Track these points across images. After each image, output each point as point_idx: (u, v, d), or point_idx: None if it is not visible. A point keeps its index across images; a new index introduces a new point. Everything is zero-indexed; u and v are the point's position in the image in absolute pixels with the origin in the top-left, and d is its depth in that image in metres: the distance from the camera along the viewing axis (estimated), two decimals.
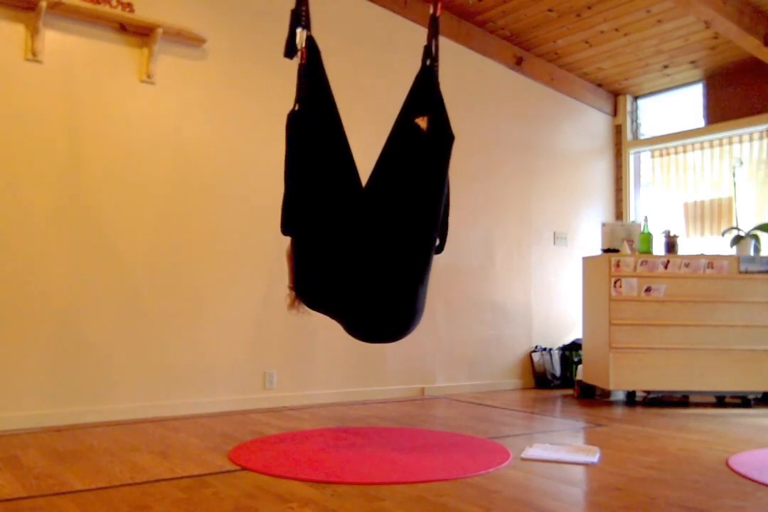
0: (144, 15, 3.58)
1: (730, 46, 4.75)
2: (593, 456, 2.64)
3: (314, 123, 2.75)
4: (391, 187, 2.75)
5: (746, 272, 4.18)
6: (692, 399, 4.46)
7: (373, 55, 4.50)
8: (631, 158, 5.71)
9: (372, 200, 2.76)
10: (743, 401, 4.22)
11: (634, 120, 5.75)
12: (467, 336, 4.81)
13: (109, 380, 3.48)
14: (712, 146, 5.19)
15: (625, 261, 4.21)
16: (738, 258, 4.20)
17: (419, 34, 4.04)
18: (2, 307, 3.24)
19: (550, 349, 5.10)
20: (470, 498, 2.07)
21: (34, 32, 3.33)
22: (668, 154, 5.47)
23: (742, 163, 4.98)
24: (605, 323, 4.21)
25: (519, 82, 5.21)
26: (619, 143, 5.74)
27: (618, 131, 5.76)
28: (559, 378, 5.05)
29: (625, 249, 4.38)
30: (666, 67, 5.18)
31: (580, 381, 4.58)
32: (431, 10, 2.88)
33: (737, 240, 4.39)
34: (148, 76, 3.65)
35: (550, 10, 4.56)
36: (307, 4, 2.77)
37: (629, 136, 5.71)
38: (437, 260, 3.12)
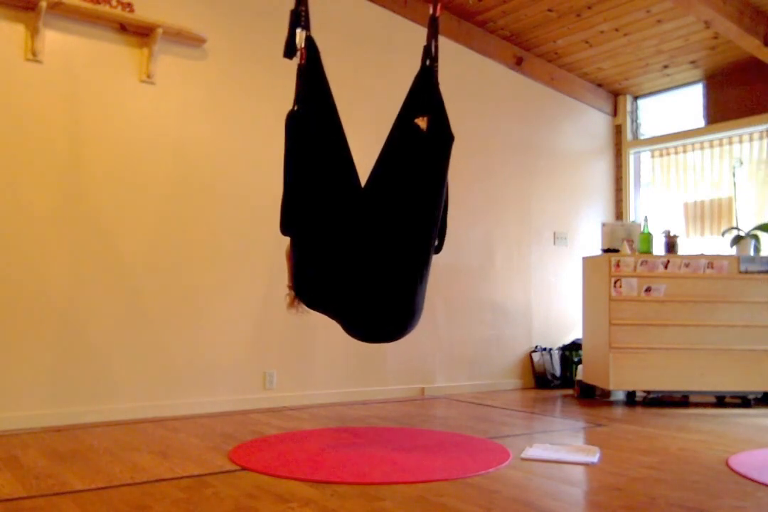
0: (144, 15, 3.58)
1: (730, 46, 4.75)
2: (593, 456, 2.64)
3: (313, 123, 2.74)
4: (390, 188, 2.75)
5: (746, 272, 4.18)
6: (692, 399, 4.45)
7: (373, 55, 4.50)
8: (631, 158, 5.71)
9: (371, 200, 2.76)
10: (743, 401, 4.22)
11: (634, 120, 5.75)
12: (467, 336, 4.81)
13: (109, 380, 3.48)
14: (712, 146, 5.19)
15: (625, 261, 4.21)
16: (738, 258, 4.20)
17: (419, 34, 4.03)
18: (2, 307, 3.24)
19: (550, 349, 5.10)
20: (470, 498, 2.07)
21: (34, 32, 3.33)
22: (668, 154, 5.47)
23: (742, 163, 4.98)
24: (605, 323, 4.21)
25: (519, 82, 5.21)
26: (619, 143, 5.75)
27: (618, 131, 5.76)
28: (559, 378, 5.05)
29: (625, 249, 4.38)
30: (666, 67, 5.18)
31: (580, 381, 4.58)
32: (431, 11, 2.88)
33: (737, 240, 4.39)
34: (148, 76, 3.65)
35: (550, 10, 4.56)
36: (306, 4, 2.77)
37: (629, 136, 5.71)
38: (437, 260, 3.12)
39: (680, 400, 4.38)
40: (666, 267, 4.19)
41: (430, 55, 2.90)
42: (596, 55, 5.10)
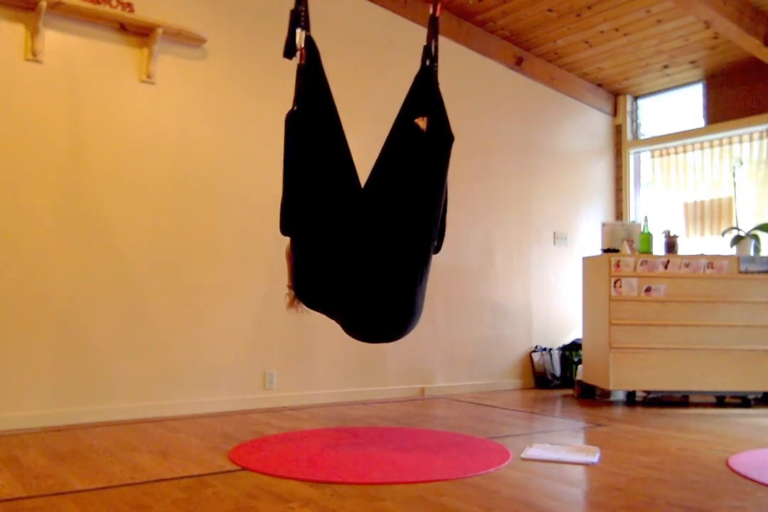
0: (144, 15, 3.58)
1: (730, 46, 4.75)
2: (593, 456, 2.64)
3: (313, 123, 2.74)
4: (390, 188, 2.75)
5: (746, 272, 4.18)
6: (692, 399, 4.45)
7: (373, 55, 4.50)
8: (631, 158, 5.71)
9: (371, 200, 2.76)
10: (743, 401, 4.22)
11: (634, 120, 5.75)
12: (467, 336, 4.81)
13: (109, 380, 3.49)
14: (712, 146, 5.19)
15: (625, 261, 4.21)
16: (738, 258, 4.20)
17: (419, 34, 4.03)
18: (2, 307, 3.24)
19: (550, 349, 5.10)
20: (470, 498, 2.07)
21: (34, 32, 3.33)
22: (668, 154, 5.46)
23: (742, 163, 4.98)
24: (605, 323, 4.21)
25: (519, 82, 5.21)
26: (619, 143, 5.74)
27: (618, 131, 5.76)
28: (559, 378, 5.05)
29: (625, 249, 4.38)
30: (666, 67, 5.18)
31: (580, 381, 4.58)
32: (431, 11, 2.88)
33: (737, 240, 4.39)
34: (148, 76, 3.65)
35: (550, 10, 4.56)
36: (306, 4, 2.77)
37: (629, 136, 5.71)
38: (437, 260, 3.12)
39: (680, 400, 4.38)
40: (666, 267, 4.19)
41: (430, 55, 2.89)
42: (596, 55, 5.10)
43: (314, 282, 2.74)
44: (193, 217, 3.78)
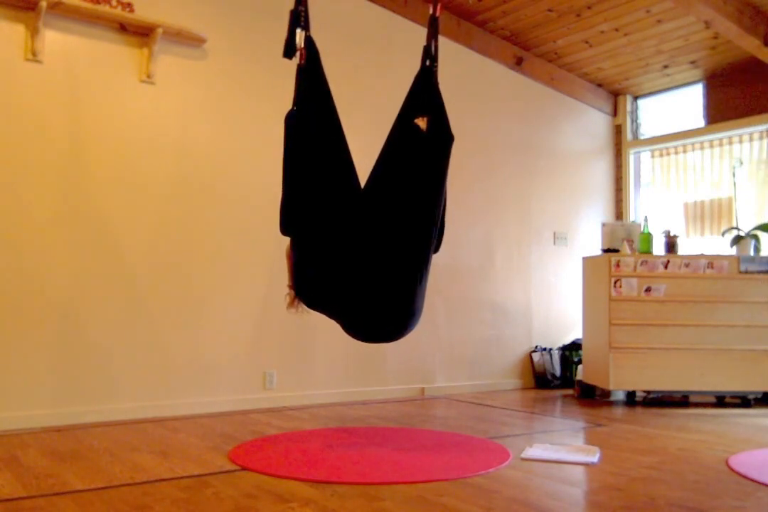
0: (144, 15, 3.58)
1: (730, 46, 4.75)
2: (593, 456, 2.64)
3: (312, 123, 2.74)
4: (390, 188, 2.75)
5: (746, 272, 4.18)
6: (692, 399, 4.46)
7: (373, 55, 4.50)
8: (631, 158, 5.71)
9: (371, 200, 2.76)
10: (743, 401, 4.22)
11: (634, 120, 5.75)
12: (467, 336, 4.81)
13: (109, 380, 3.49)
14: (712, 146, 5.19)
15: (625, 261, 4.21)
16: (738, 258, 4.20)
17: (419, 34, 4.04)
18: (3, 307, 3.24)
19: (550, 349, 5.10)
20: (470, 498, 2.07)
21: (34, 32, 3.33)
22: (668, 154, 5.47)
23: (742, 163, 4.98)
24: (605, 323, 4.21)
25: (519, 82, 5.21)
26: (619, 143, 5.75)
27: (618, 131, 5.76)
28: (559, 378, 5.05)
29: (625, 249, 4.38)
30: (666, 67, 5.18)
31: (580, 381, 4.58)
32: (431, 11, 2.88)
33: (737, 240, 4.39)
34: (148, 76, 3.65)
35: (550, 10, 4.56)
36: (306, 4, 2.77)
37: (629, 136, 5.71)
38: (437, 260, 3.12)
39: (680, 400, 4.38)
40: (666, 267, 4.19)
41: (430, 56, 2.89)
42: (596, 55, 5.10)
43: (314, 282, 2.74)
44: (193, 217, 3.78)
